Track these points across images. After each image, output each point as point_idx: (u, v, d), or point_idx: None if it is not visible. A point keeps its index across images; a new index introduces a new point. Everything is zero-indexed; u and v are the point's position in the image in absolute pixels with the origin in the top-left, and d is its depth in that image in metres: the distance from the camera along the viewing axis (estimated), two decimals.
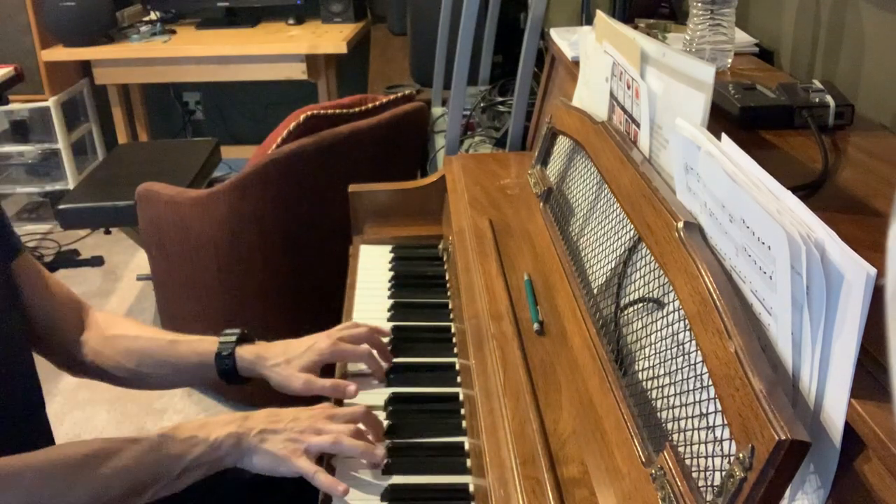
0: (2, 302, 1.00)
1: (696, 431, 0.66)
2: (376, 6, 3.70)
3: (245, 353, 1.09)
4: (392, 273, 1.39)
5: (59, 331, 1.10)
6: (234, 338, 1.10)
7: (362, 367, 1.14)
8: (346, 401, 1.09)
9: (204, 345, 1.10)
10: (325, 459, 0.97)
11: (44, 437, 1.08)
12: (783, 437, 0.53)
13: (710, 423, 0.64)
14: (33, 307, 1.06)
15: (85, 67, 3.55)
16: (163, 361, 1.11)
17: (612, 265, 0.92)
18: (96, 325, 1.13)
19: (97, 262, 3.32)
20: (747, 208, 0.64)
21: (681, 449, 0.67)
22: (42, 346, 1.09)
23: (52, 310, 1.09)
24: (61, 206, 2.57)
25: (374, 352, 1.14)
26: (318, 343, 1.10)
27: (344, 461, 0.98)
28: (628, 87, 0.98)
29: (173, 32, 3.52)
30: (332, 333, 1.13)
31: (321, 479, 0.92)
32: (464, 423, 1.04)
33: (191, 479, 0.93)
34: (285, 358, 1.09)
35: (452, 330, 1.23)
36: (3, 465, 0.85)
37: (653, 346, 0.77)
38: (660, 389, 0.74)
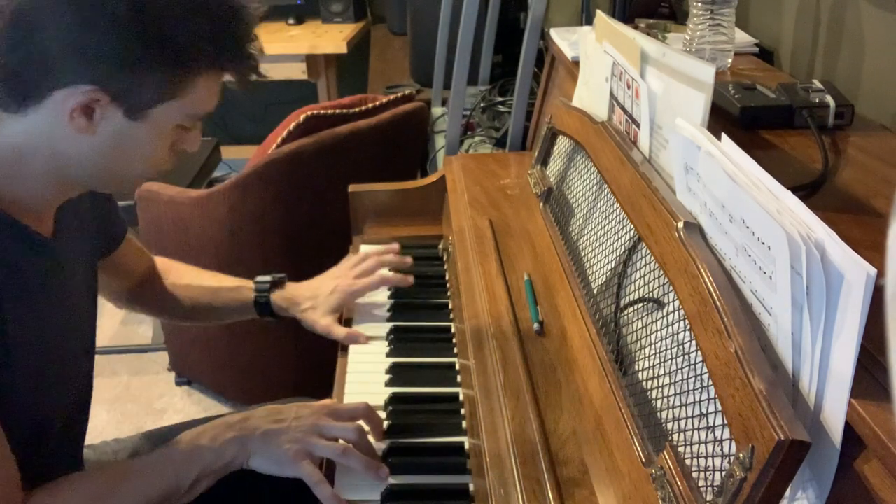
0: (90, 301, 1.05)
1: (696, 431, 0.66)
2: (376, 6, 3.70)
3: (278, 298, 1.25)
4: (392, 273, 1.39)
5: (134, 286, 1.26)
6: (267, 285, 1.26)
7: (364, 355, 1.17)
8: (346, 397, 1.10)
9: (243, 293, 1.26)
10: (324, 461, 0.97)
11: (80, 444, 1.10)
12: (783, 437, 0.53)
13: (710, 423, 0.64)
14: (132, 276, 1.24)
15: None
16: (209, 306, 1.28)
17: (612, 265, 0.92)
18: (161, 274, 1.28)
19: None
20: (747, 208, 0.64)
21: (681, 449, 0.67)
22: (115, 297, 1.27)
23: (136, 272, 1.25)
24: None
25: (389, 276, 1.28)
26: (339, 287, 1.24)
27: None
28: (628, 87, 0.98)
29: None
30: (348, 273, 1.27)
31: (324, 490, 0.92)
32: (464, 423, 1.04)
33: (200, 489, 0.93)
34: (312, 304, 1.24)
35: (452, 330, 1.23)
36: None
37: (653, 346, 0.77)
38: (660, 389, 0.74)
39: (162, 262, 1.30)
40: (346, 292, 1.24)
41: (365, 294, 1.28)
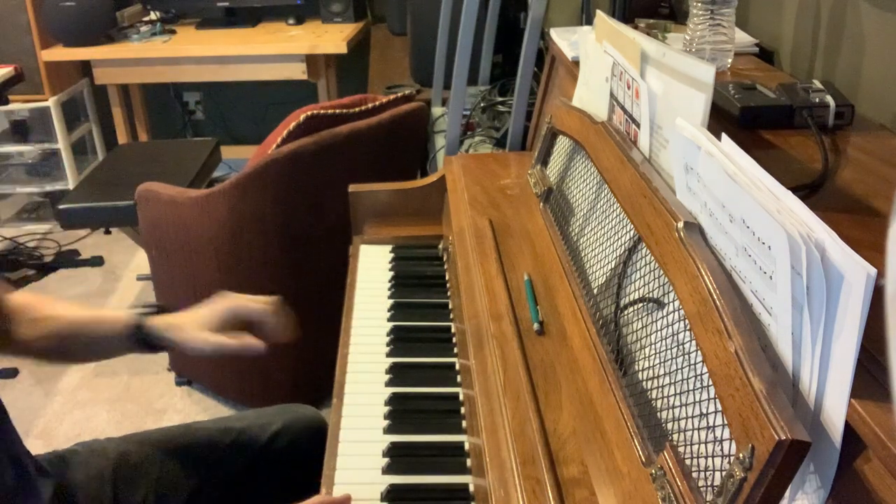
0: None
1: (696, 431, 0.66)
2: (376, 6, 3.70)
3: (156, 321, 1.14)
4: (392, 273, 1.39)
5: None
6: (146, 309, 1.15)
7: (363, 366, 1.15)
8: (346, 398, 1.09)
9: (118, 318, 1.14)
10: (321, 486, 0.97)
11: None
12: (783, 437, 0.53)
13: (710, 423, 0.64)
14: None
15: (85, 67, 3.55)
16: (85, 339, 1.15)
17: (612, 265, 0.92)
18: (20, 310, 1.14)
19: (97, 262, 3.32)
20: (747, 208, 0.64)
21: (681, 449, 0.67)
22: None
23: None
24: (61, 206, 2.57)
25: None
26: (218, 302, 1.15)
27: (345, 456, 0.99)
28: (628, 87, 0.98)
29: (173, 32, 3.52)
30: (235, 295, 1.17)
31: None
32: (464, 423, 1.04)
33: None
34: (191, 324, 1.12)
35: (452, 330, 1.23)
36: None
37: (653, 346, 0.77)
38: (660, 389, 0.74)
39: (22, 297, 1.16)
40: (225, 303, 1.14)
41: (244, 311, 1.15)
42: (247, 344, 1.11)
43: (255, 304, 1.15)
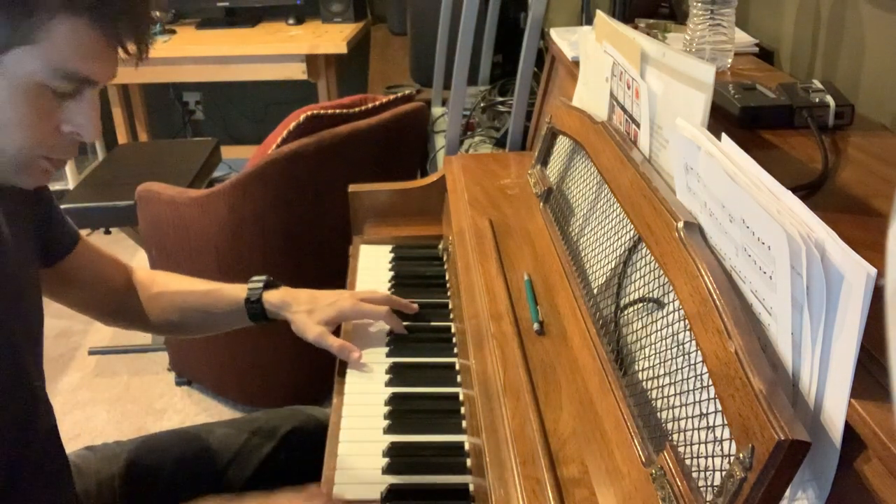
0: (35, 304, 0.98)
1: (696, 431, 0.66)
2: (376, 6, 3.70)
3: (271, 297, 1.19)
4: (392, 273, 1.39)
5: (112, 298, 1.18)
6: (261, 284, 1.20)
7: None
8: (346, 397, 1.09)
9: (235, 291, 1.20)
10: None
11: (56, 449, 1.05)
12: (783, 437, 0.53)
13: (710, 423, 0.64)
14: (94, 287, 1.15)
15: None
16: (201, 310, 1.21)
17: (612, 265, 0.92)
18: (140, 284, 1.21)
19: None
20: (747, 208, 0.64)
21: (681, 449, 0.67)
22: (94, 312, 1.19)
23: (109, 282, 1.18)
24: (61, 206, 2.57)
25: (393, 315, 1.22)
26: (340, 300, 1.19)
27: (345, 456, 0.99)
28: (628, 87, 0.98)
29: (173, 32, 3.52)
30: (355, 294, 1.23)
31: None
32: (464, 423, 1.04)
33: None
34: (308, 308, 1.17)
35: (452, 330, 1.23)
36: None
37: (653, 346, 0.77)
38: (660, 389, 0.74)
39: (144, 274, 1.23)
40: (347, 309, 1.18)
41: (363, 319, 1.22)
42: (345, 350, 1.15)
43: (373, 309, 1.20)
